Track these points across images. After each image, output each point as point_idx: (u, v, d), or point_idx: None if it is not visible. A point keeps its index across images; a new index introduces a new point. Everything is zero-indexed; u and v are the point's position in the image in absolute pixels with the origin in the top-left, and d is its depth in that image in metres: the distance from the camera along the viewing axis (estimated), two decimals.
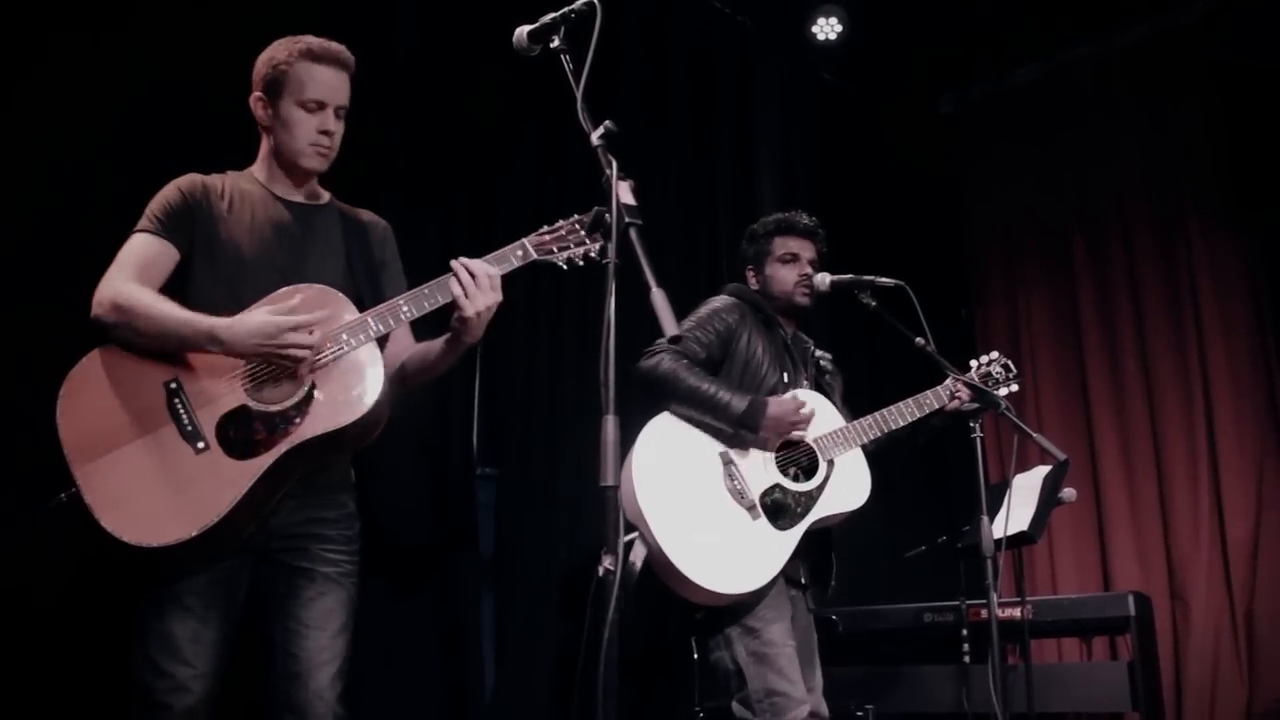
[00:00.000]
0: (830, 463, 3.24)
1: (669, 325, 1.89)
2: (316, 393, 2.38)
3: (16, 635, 2.96)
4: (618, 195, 2.03)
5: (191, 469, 2.29)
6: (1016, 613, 4.38)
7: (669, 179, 5.22)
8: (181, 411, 2.34)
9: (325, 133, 2.59)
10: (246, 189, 2.62)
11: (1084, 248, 6.16)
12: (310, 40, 2.60)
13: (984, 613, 4.55)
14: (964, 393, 3.45)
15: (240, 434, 2.33)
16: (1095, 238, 6.13)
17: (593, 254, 2.52)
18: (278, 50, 2.60)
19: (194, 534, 2.23)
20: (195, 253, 2.51)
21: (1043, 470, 4.24)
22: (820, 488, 3.21)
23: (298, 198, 2.66)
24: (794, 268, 3.44)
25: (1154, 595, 5.05)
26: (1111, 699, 4.50)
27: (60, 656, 3.01)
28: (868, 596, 4.99)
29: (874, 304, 3.39)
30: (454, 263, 2.45)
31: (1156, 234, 5.92)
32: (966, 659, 4.53)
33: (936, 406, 3.42)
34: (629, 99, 5.04)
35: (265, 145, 2.67)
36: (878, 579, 5.28)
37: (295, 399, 2.37)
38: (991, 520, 3.47)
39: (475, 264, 2.43)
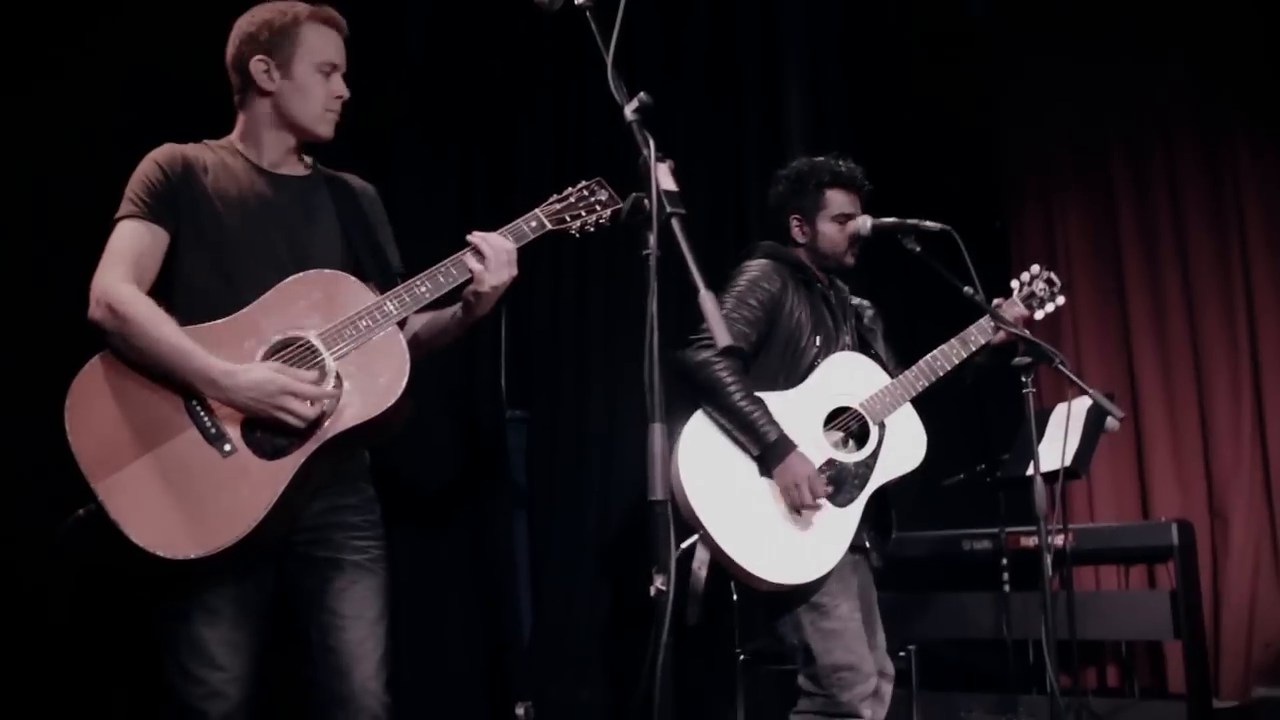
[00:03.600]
0: (881, 425, 3.14)
1: (721, 335, 1.76)
2: (345, 384, 2.28)
3: (31, 651, 2.92)
4: (658, 181, 1.88)
5: (220, 474, 2.20)
6: (1058, 540, 4.31)
7: (691, 109, 5.00)
8: (202, 414, 2.23)
9: (339, 98, 2.48)
10: (229, 162, 2.45)
11: (1123, 156, 5.86)
12: (308, 5, 2.47)
13: (1023, 540, 4.53)
14: (1017, 313, 3.33)
15: (267, 434, 2.23)
16: (1136, 145, 5.84)
17: (604, 220, 2.52)
18: (273, 13, 2.44)
19: (232, 542, 2.15)
20: (182, 233, 2.35)
21: (1087, 401, 4.12)
22: (875, 454, 3.11)
23: (283, 169, 2.50)
24: (847, 228, 3.28)
25: (1193, 516, 4.98)
26: (1154, 628, 4.49)
27: (78, 671, 2.98)
28: (904, 523, 4.93)
29: (918, 249, 3.23)
30: (472, 237, 2.41)
31: (1200, 142, 5.63)
32: (1006, 587, 4.53)
33: (983, 342, 3.26)
34: (646, 28, 4.81)
35: (250, 114, 2.48)
36: (912, 506, 5.22)
37: None
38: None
39: (493, 238, 2.39)
